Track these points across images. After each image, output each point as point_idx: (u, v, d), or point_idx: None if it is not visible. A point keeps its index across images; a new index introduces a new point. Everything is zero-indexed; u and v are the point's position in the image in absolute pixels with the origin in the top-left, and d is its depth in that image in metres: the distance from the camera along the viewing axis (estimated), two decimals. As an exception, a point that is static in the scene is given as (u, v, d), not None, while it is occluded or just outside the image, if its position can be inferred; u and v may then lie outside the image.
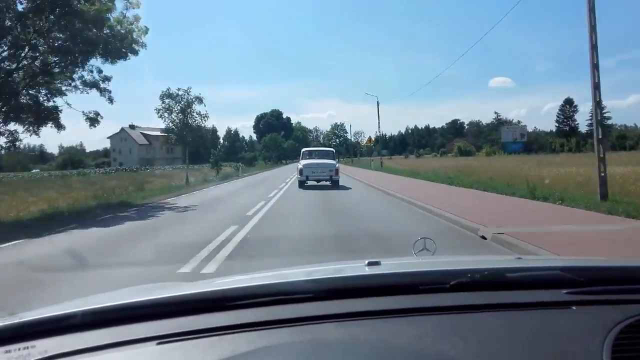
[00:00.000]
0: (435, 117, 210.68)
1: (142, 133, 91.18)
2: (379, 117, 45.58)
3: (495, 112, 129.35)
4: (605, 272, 1.44)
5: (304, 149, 24.35)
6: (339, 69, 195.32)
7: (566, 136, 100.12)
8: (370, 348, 0.99)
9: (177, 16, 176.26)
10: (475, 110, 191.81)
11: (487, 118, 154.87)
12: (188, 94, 31.51)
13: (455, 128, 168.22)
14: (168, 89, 31.21)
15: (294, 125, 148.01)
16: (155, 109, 31.05)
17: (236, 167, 59.40)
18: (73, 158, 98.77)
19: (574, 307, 1.15)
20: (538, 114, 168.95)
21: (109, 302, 1.22)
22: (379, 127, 46.28)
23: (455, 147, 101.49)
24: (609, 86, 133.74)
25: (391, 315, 1.11)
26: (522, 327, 1.07)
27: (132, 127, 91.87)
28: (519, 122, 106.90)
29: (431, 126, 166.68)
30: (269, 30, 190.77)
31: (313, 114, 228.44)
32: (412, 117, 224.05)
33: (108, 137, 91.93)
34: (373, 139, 46.82)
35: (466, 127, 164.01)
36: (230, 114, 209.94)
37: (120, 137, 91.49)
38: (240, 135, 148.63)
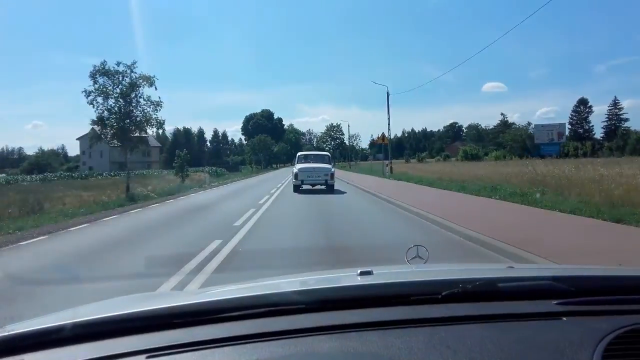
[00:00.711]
0: (428, 122, 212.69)
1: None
2: (388, 111, 36.47)
3: (502, 114, 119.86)
4: (595, 282, 1.43)
5: (299, 153, 23.96)
6: (333, 75, 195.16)
7: (581, 139, 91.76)
8: None
9: (170, 21, 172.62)
10: (468, 115, 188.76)
11: (483, 122, 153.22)
12: (132, 71, 22.08)
13: (453, 131, 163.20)
14: (103, 63, 21.75)
15: (286, 127, 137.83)
16: (84, 92, 21.56)
17: (216, 172, 50.19)
18: (40, 162, 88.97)
19: (564, 318, 1.16)
20: (530, 118, 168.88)
21: (98, 314, 1.20)
22: (389, 124, 37.49)
23: (461, 150, 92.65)
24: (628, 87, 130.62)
25: (383, 327, 1.11)
26: (513, 339, 1.06)
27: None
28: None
29: (428, 129, 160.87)
30: (262, 36, 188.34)
31: (306, 119, 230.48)
32: (405, 122, 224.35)
33: (77, 139, 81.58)
34: (379, 138, 37.27)
35: (464, 130, 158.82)
36: (222, 119, 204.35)
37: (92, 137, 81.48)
38: (230, 139, 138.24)
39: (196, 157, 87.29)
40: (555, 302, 1.23)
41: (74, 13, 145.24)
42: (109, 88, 21.92)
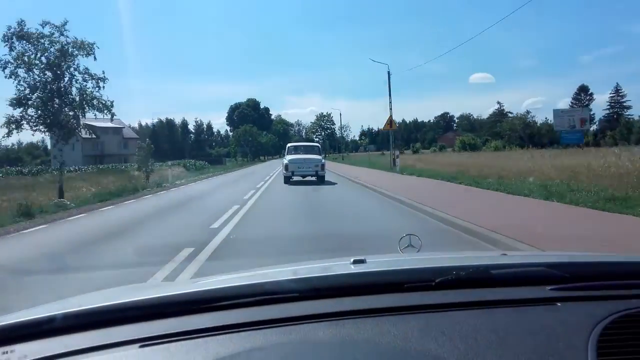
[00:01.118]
0: (415, 113, 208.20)
1: (87, 124, 73.16)
2: (390, 93, 31.10)
3: (498, 102, 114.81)
4: (589, 267, 1.43)
5: (289, 144, 23.67)
6: (322, 65, 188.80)
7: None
8: (356, 348, 0.99)
9: (156, 14, 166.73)
10: (455, 106, 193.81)
11: (473, 113, 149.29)
12: (63, 34, 16.44)
13: (444, 121, 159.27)
14: (21, 23, 16.07)
15: (273, 118, 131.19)
16: (-2, 62, 15.83)
17: (195, 166, 44.52)
18: (10, 155, 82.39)
19: (558, 304, 1.15)
20: (517, 109, 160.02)
21: (90, 304, 1.19)
22: (391, 108, 31.60)
23: (458, 141, 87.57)
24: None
25: (377, 314, 1.11)
26: (508, 325, 1.06)
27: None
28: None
29: (419, 120, 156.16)
30: (251, 25, 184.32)
31: (295, 110, 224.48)
32: (394, 113, 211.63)
33: None
34: (386, 124, 31.87)
35: (456, 120, 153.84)
36: (209, 110, 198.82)
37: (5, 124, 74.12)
38: (216, 130, 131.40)
39: (178, 149, 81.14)
40: (549, 287, 1.22)
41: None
42: (31, 57, 16.14)
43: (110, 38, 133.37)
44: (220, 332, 1.04)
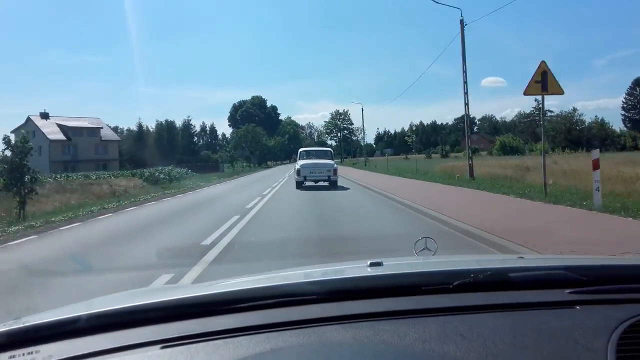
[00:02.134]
0: (429, 116, 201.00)
1: (58, 124, 60.08)
2: (464, 53, 18.70)
3: (536, 100, 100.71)
4: (608, 271, 1.41)
5: (301, 149, 23.75)
6: (333, 71, 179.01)
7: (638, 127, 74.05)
8: (374, 350, 0.98)
9: (167, 20, 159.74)
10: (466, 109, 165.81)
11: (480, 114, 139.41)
12: None
13: (464, 123, 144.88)
14: None
15: (282, 119, 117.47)
16: None
17: (169, 175, 31.88)
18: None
19: (577, 307, 1.14)
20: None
21: (112, 306, 1.20)
22: (466, 81, 19.12)
23: (498, 142, 73.96)
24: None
25: (395, 317, 1.10)
26: (526, 328, 1.05)
27: (44, 116, 60.40)
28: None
29: (437, 122, 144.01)
30: (261, 31, 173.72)
31: (305, 115, 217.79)
32: (401, 119, 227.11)
33: (12, 132, 62.30)
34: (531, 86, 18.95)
35: (477, 122, 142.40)
36: (218, 116, 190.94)
37: (28, 131, 60.78)
38: (221, 133, 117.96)
39: (169, 152, 68.30)
40: (568, 291, 1.20)
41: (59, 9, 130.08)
42: None
43: (120, 41, 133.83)
44: (240, 333, 1.03)
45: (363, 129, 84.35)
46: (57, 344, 1.05)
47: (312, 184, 20.21)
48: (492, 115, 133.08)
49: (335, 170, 20.27)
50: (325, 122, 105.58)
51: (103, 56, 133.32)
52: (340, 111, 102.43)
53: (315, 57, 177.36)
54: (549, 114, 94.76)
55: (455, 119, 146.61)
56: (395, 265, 1.53)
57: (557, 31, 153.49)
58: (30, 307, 4.03)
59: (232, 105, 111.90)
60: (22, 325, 1.10)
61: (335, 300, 1.18)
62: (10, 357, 1.02)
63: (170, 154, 67.22)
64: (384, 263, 1.40)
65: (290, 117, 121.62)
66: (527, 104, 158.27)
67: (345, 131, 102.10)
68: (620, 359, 0.92)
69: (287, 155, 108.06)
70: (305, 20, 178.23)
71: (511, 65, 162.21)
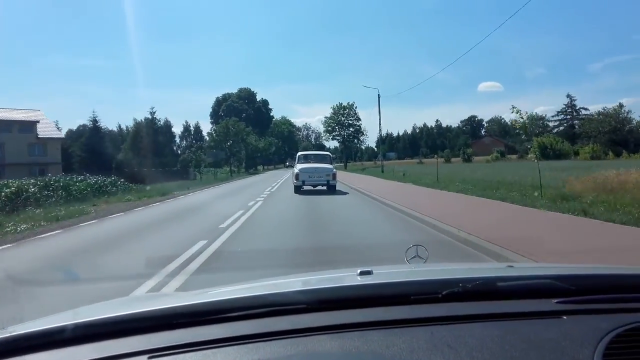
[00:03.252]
0: (430, 118, 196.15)
1: None
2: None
3: (569, 96, 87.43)
4: (596, 280, 1.42)
5: (299, 153, 23.48)
6: (328, 75, 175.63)
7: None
8: None
9: (165, 24, 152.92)
10: (464, 113, 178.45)
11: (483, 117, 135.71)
12: None
13: (472, 126, 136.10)
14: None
15: (276, 120, 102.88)
16: None
17: (97, 186, 18.73)
18: None
19: (564, 317, 1.16)
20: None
21: (99, 315, 1.20)
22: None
23: (536, 143, 59.56)
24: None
25: (383, 327, 1.11)
26: (514, 338, 1.06)
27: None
28: None
29: (443, 124, 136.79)
30: (257, 34, 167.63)
31: (302, 119, 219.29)
32: (401, 122, 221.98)
33: None
34: None
35: (485, 124, 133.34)
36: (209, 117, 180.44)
37: None
38: (207, 131, 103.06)
39: (137, 154, 54.25)
40: (555, 300, 1.22)
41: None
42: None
43: (121, 44, 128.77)
44: (229, 343, 1.04)
45: (379, 122, 63.19)
46: (43, 354, 1.05)
47: (311, 188, 20.13)
48: (500, 116, 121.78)
49: (334, 175, 20.11)
50: (325, 118, 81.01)
51: (103, 59, 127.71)
52: (346, 104, 79.12)
53: (312, 60, 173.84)
54: (583, 112, 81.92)
55: (461, 121, 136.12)
56: (385, 274, 1.54)
57: (553, 35, 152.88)
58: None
59: (214, 100, 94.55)
60: (8, 335, 1.10)
61: (324, 310, 1.19)
62: None
63: (138, 156, 52.96)
64: (373, 272, 1.41)
65: (285, 118, 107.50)
66: (526, 108, 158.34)
67: (351, 129, 78.87)
68: None
69: (281, 159, 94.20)
70: (301, 23, 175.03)
71: (508, 69, 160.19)
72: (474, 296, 1.24)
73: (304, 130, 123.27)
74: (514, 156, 69.97)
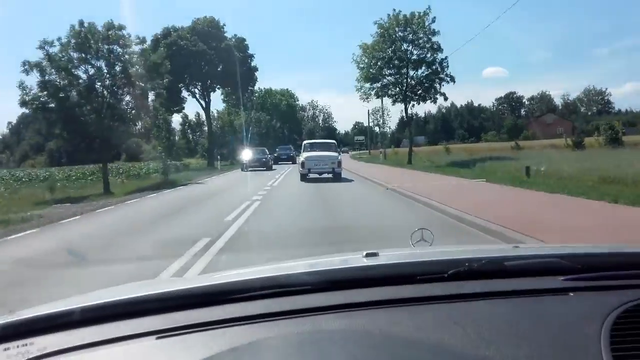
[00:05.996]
0: (456, 97, 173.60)
1: None
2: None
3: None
4: (602, 258, 1.47)
5: (305, 142, 25.07)
6: (335, 60, 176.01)
7: None
8: (369, 338, 1.02)
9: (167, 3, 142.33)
10: (469, 97, 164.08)
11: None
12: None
13: (510, 105, 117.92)
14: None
15: (268, 89, 71.82)
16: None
17: None
18: None
19: (571, 294, 1.18)
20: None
21: (107, 298, 1.24)
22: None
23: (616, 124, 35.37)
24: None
25: (390, 305, 1.14)
26: (520, 315, 1.09)
27: None
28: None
29: (475, 104, 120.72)
30: (260, 18, 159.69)
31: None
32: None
33: None
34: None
35: (526, 102, 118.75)
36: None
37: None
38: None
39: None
40: (562, 278, 1.23)
41: None
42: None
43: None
44: (236, 323, 1.07)
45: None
46: (51, 336, 1.08)
47: (317, 176, 21.31)
48: (547, 91, 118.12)
49: (339, 162, 21.37)
50: (361, 45, 33.33)
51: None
52: (404, 14, 32.76)
53: (318, 46, 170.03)
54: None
55: (496, 99, 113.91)
56: (391, 255, 1.56)
57: (559, 18, 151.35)
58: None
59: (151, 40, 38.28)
60: (17, 318, 1.14)
61: (330, 290, 1.21)
62: (5, 349, 1.05)
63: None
64: (379, 254, 1.42)
65: (288, 90, 77.73)
66: (530, 94, 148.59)
67: (424, 55, 32.21)
68: (614, 343, 0.95)
69: (277, 143, 56.73)
70: (305, 9, 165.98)
71: (512, 54, 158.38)
72: (480, 275, 1.25)
73: (309, 110, 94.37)
74: (596, 138, 37.92)
